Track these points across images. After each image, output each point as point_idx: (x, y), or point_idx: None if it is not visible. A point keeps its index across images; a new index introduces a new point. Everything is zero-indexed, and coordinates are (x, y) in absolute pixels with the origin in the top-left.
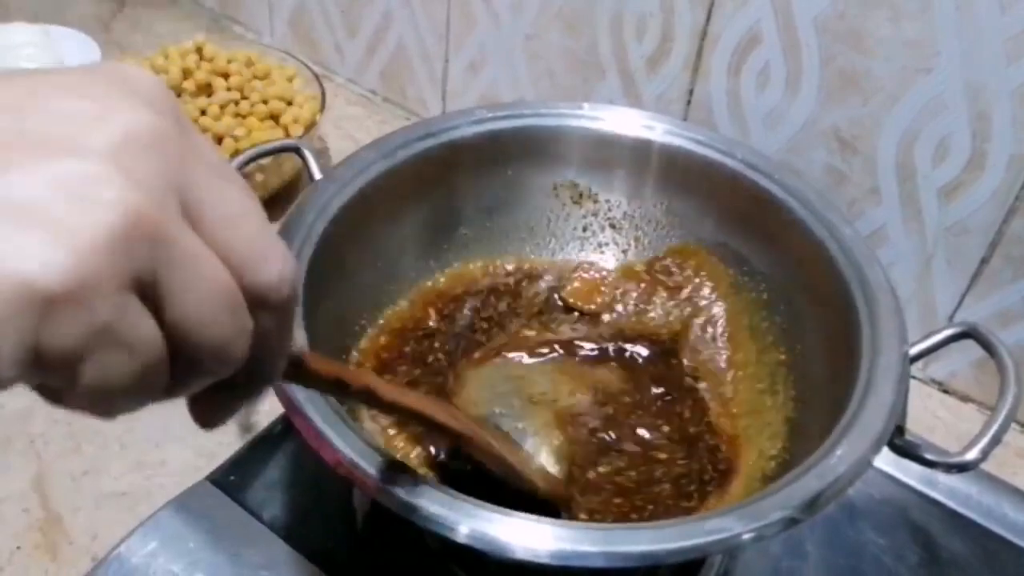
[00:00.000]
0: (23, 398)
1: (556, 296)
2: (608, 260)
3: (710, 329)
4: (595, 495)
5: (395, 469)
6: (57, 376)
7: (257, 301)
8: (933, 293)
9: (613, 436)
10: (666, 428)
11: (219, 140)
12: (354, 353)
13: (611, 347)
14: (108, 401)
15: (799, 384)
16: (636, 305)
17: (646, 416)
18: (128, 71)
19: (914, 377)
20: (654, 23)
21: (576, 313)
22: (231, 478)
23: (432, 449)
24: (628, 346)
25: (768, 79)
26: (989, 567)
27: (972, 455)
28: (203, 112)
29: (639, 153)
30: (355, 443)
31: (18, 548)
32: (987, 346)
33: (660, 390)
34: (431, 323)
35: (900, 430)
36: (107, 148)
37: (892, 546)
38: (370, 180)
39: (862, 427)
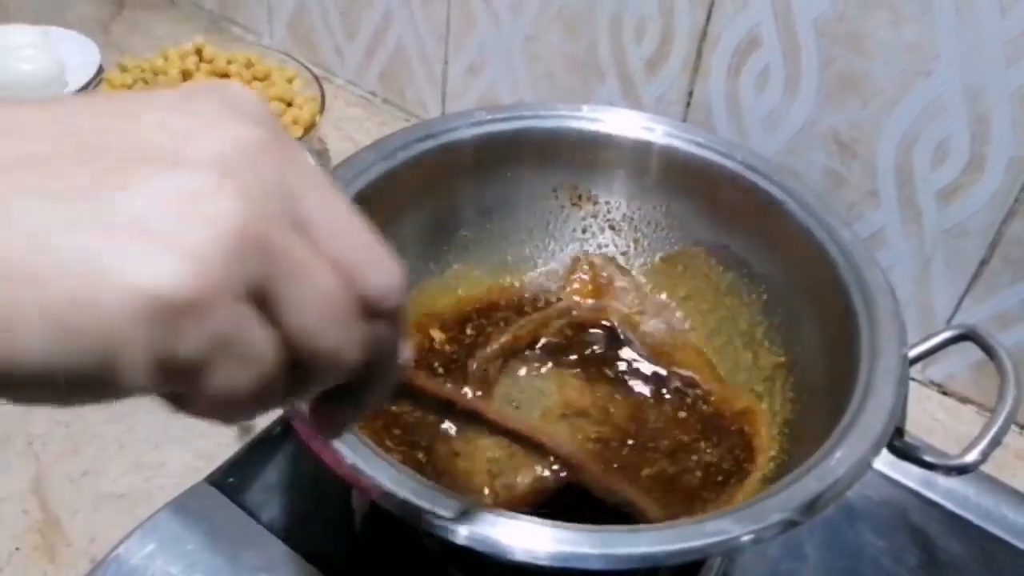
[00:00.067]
0: None
1: (556, 298)
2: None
3: (710, 329)
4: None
5: (394, 471)
6: (183, 385)
7: (369, 308)
8: (932, 295)
9: (640, 441)
10: (683, 415)
11: None
12: None
13: (609, 351)
14: (231, 408)
15: (798, 386)
16: (633, 305)
17: (660, 415)
18: (228, 87)
19: (913, 379)
20: (653, 25)
21: (575, 312)
22: (230, 480)
23: (539, 469)
24: (625, 349)
25: (767, 81)
26: (988, 569)
27: (971, 457)
28: None
29: (638, 155)
30: (355, 445)
31: (17, 549)
32: (986, 348)
33: (663, 390)
34: (432, 331)
35: (899, 432)
36: (214, 160)
37: (891, 548)
38: (370, 181)
39: (861, 429)
